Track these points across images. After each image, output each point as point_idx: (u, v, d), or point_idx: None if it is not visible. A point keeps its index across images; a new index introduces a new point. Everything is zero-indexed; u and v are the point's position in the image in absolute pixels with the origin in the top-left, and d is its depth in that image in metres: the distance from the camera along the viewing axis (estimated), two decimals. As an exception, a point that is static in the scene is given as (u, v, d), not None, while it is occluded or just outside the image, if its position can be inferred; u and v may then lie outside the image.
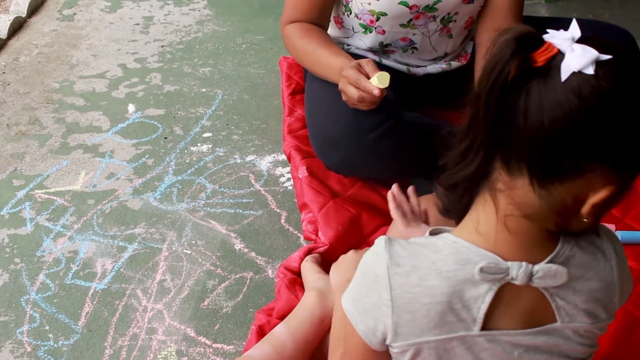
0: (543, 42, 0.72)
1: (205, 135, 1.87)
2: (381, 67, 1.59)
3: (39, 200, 1.67)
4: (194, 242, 1.55)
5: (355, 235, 1.49)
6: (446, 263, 0.80)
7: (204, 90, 2.05)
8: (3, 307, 1.40)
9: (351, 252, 1.15)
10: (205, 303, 1.41)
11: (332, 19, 1.67)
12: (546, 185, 0.73)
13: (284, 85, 1.93)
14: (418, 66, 1.69)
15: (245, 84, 2.06)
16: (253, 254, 1.51)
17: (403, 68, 1.68)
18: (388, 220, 1.53)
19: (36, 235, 1.57)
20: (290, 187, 1.68)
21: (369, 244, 1.51)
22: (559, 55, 0.71)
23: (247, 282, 1.45)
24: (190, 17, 2.42)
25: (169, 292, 1.43)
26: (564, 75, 0.70)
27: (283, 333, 1.20)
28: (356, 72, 1.36)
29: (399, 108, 1.49)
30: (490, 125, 0.74)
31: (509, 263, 0.78)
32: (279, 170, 1.74)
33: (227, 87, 2.06)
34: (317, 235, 1.49)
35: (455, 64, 1.70)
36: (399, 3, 1.50)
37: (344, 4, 1.58)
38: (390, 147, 1.47)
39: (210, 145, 1.83)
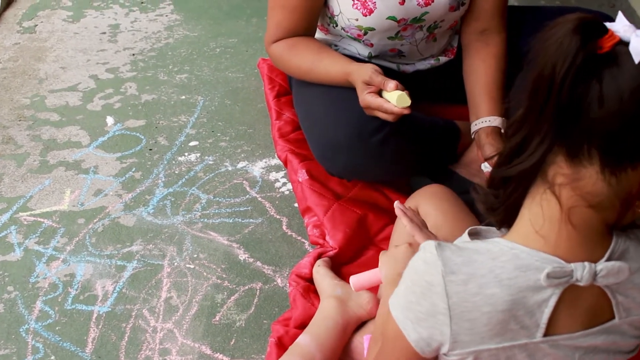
0: (605, 29, 0.72)
1: (192, 144, 1.81)
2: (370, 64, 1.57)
3: (25, 223, 1.59)
4: (195, 255, 1.50)
5: (363, 237, 1.47)
6: (505, 270, 0.78)
7: (183, 97, 1.99)
8: (2, 340, 1.33)
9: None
10: (217, 318, 1.36)
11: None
12: (618, 172, 0.73)
13: (267, 88, 1.89)
14: (407, 64, 1.67)
15: (225, 89, 2.01)
16: (259, 263, 1.47)
17: (393, 66, 1.66)
18: (393, 218, 1.51)
19: (27, 260, 1.50)
20: (287, 192, 1.65)
21: (376, 244, 1.49)
22: (621, 42, 0.71)
23: (257, 293, 1.41)
24: (159, 23, 2.35)
25: (177, 309, 1.38)
26: (637, 58, 0.69)
27: (309, 344, 1.17)
28: (373, 97, 1.33)
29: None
30: (561, 116, 0.72)
31: (572, 265, 0.77)
32: (273, 175, 1.70)
33: (207, 93, 2.00)
34: (324, 239, 1.46)
35: (443, 59, 1.69)
36: (387, 18, 1.48)
37: (329, 16, 1.55)
38: (394, 149, 1.45)
39: (198, 154, 1.78)
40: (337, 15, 1.52)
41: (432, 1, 1.48)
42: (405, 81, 1.69)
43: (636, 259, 0.81)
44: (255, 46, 2.20)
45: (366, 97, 1.36)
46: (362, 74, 1.37)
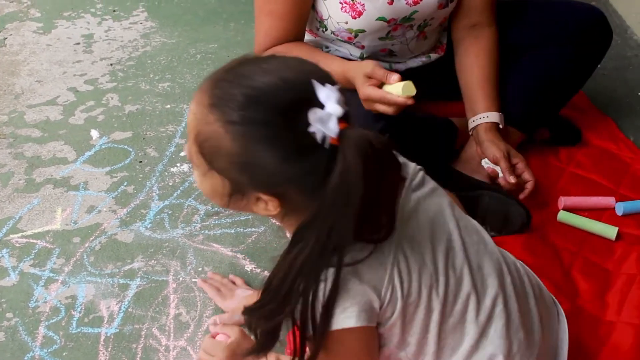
0: None
1: (183, 154, 1.77)
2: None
3: (17, 245, 1.53)
4: (200, 269, 1.46)
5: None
6: None
7: (168, 106, 1.94)
8: (7, 370, 1.27)
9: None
10: (230, 332, 1.33)
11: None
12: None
13: (256, 93, 1.86)
14: (399, 62, 1.67)
15: (211, 96, 1.97)
16: (266, 272, 1.44)
17: (385, 65, 1.64)
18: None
19: (24, 284, 1.44)
20: (286, 198, 1.62)
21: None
22: None
23: (269, 303, 1.38)
24: (134, 31, 2.29)
25: (187, 326, 1.34)
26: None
27: None
28: (374, 90, 1.31)
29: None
30: None
31: None
32: (270, 182, 1.67)
33: (191, 100, 1.95)
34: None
35: (434, 55, 1.69)
36: (376, 19, 1.47)
37: (318, 20, 1.53)
38: (403, 149, 1.43)
39: (190, 164, 1.73)
40: (326, 20, 1.50)
41: (421, 0, 1.47)
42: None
43: None
44: (236, 51, 2.16)
45: (367, 89, 1.32)
46: (363, 67, 1.35)
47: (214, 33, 2.28)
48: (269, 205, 0.84)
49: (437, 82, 1.72)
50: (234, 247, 1.50)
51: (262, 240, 1.52)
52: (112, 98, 1.98)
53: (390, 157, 0.83)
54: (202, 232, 1.54)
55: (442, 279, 0.91)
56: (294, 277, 0.80)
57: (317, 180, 0.77)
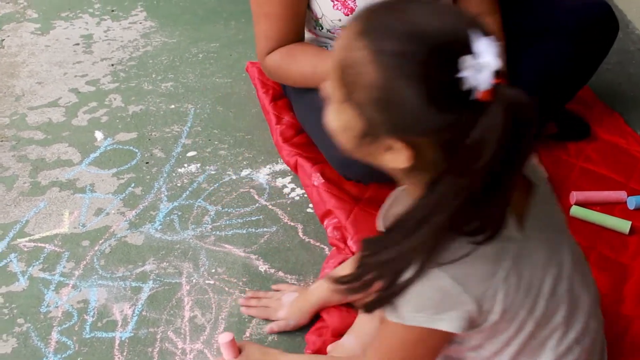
0: None
1: (190, 154, 1.75)
2: None
3: (25, 250, 1.50)
4: (213, 270, 1.44)
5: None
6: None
7: (172, 106, 1.92)
8: (21, 377, 1.25)
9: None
10: (247, 334, 1.31)
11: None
12: None
13: (261, 92, 1.84)
14: None
15: (215, 96, 1.95)
16: (281, 273, 1.43)
17: None
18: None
19: (34, 289, 1.41)
20: (297, 198, 1.61)
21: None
22: None
23: (285, 304, 1.37)
24: (133, 31, 2.26)
25: (204, 329, 1.33)
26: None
27: (354, 345, 1.17)
28: None
29: None
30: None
31: None
32: (280, 182, 1.65)
33: (196, 100, 1.94)
34: (345, 243, 1.43)
35: None
36: None
37: (314, 19, 1.52)
38: None
39: (198, 165, 1.71)
40: (320, 18, 1.49)
41: None
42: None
43: None
44: (239, 49, 2.14)
45: None
46: None
47: (215, 32, 2.25)
48: (399, 156, 0.78)
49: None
50: (246, 248, 1.49)
51: (274, 240, 1.50)
52: (114, 99, 1.95)
53: (530, 134, 0.75)
54: (214, 233, 1.53)
55: (542, 303, 0.88)
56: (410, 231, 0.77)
57: (456, 134, 0.72)
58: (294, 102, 1.67)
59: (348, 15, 1.45)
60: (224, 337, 1.16)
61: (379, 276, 0.81)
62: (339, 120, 0.82)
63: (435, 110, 0.72)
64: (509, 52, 1.61)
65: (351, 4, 1.43)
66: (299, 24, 1.51)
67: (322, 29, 1.51)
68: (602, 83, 1.91)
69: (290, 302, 1.30)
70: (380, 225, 0.96)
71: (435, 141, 0.75)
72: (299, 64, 1.50)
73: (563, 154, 1.71)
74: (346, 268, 1.23)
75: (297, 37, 1.53)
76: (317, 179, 1.53)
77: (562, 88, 1.65)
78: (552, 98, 1.64)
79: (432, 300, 0.82)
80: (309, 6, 1.49)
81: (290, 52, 1.51)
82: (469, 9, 1.57)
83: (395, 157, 0.78)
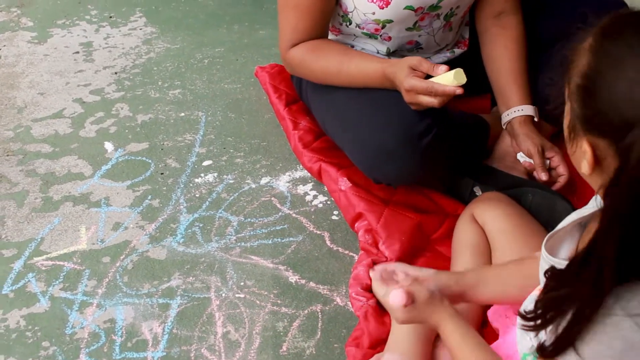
0: None
1: (206, 163, 1.70)
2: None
3: (43, 269, 1.44)
4: (242, 283, 1.40)
5: (419, 243, 1.41)
6: None
7: (182, 114, 1.87)
8: (52, 403, 1.20)
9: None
10: (284, 348, 1.27)
11: None
12: None
13: (274, 97, 1.80)
14: (424, 57, 1.63)
15: (225, 102, 1.91)
16: (312, 284, 1.39)
17: None
18: (443, 218, 1.47)
19: (56, 310, 1.36)
20: (320, 205, 1.57)
21: (431, 245, 1.43)
22: None
23: (319, 315, 1.33)
24: (134, 38, 2.20)
25: (238, 344, 1.28)
26: None
27: None
28: (420, 80, 1.27)
29: (443, 108, 1.43)
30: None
31: None
32: (301, 189, 1.62)
33: (206, 107, 1.89)
34: (376, 247, 1.40)
35: (458, 51, 1.66)
36: (404, 8, 1.43)
37: (341, 14, 1.48)
38: (441, 149, 1.40)
39: (215, 174, 1.67)
40: (351, 12, 1.46)
41: None
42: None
43: None
44: (245, 54, 2.10)
45: (412, 80, 1.29)
46: (407, 60, 1.32)
47: (219, 36, 2.21)
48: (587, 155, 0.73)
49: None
50: (274, 259, 1.44)
51: (302, 249, 1.46)
52: (122, 108, 1.90)
53: None
54: (238, 244, 1.48)
55: None
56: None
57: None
58: (314, 105, 1.63)
59: (383, 8, 1.41)
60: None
61: (559, 314, 0.75)
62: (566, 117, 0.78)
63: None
64: (536, 54, 1.60)
65: None
66: (326, 20, 1.49)
67: (351, 23, 1.48)
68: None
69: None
70: (544, 249, 0.89)
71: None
72: (324, 61, 1.46)
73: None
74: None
75: (323, 33, 1.50)
76: (344, 183, 1.50)
77: None
78: None
79: (613, 350, 0.74)
80: (337, 1, 1.46)
81: (318, 47, 1.47)
82: (491, 9, 1.55)
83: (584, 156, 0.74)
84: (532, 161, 1.50)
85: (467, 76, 1.66)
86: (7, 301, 1.37)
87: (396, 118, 1.37)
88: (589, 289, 0.71)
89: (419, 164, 1.38)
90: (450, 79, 1.23)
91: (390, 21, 1.45)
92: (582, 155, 0.74)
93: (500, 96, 1.55)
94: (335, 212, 1.55)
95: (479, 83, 1.61)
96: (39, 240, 1.51)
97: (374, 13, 1.43)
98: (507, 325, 1.18)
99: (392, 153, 1.36)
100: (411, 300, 0.98)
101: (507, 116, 1.51)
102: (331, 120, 1.53)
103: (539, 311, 0.77)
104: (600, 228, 0.71)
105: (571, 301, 0.73)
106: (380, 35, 1.50)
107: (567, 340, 0.74)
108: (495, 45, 1.56)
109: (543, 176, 1.44)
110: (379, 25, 1.45)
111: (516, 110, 1.50)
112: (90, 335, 1.31)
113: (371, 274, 1.32)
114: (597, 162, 0.73)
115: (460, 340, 0.95)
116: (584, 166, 0.74)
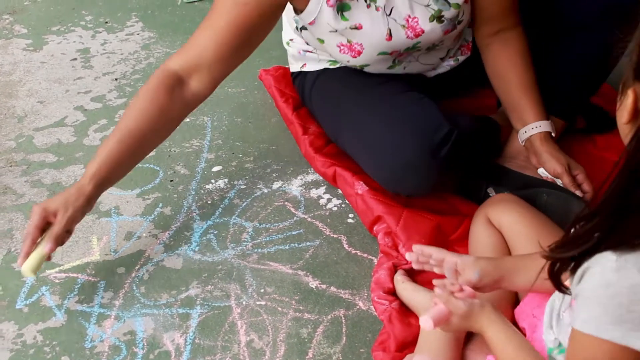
0: None
1: (215, 169, 1.68)
2: (389, 75, 1.53)
3: (57, 281, 1.41)
4: (262, 290, 1.38)
5: (438, 243, 1.41)
6: None
7: (187, 120, 1.83)
8: (77, 420, 1.17)
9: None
10: (310, 355, 1.25)
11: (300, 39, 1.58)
12: None
13: (281, 102, 1.78)
14: (426, 70, 1.62)
15: (230, 106, 1.88)
16: (333, 288, 1.38)
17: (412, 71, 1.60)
18: (461, 219, 1.46)
19: (74, 323, 1.33)
20: (335, 209, 1.55)
21: (450, 245, 1.42)
22: None
23: (343, 320, 1.31)
24: (132, 43, 2.17)
25: (263, 353, 1.26)
26: None
27: None
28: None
29: (455, 115, 1.43)
30: None
31: None
32: (314, 193, 1.60)
33: (211, 112, 1.87)
34: (396, 249, 1.39)
35: (461, 57, 1.64)
36: (377, 54, 1.42)
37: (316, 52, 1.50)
38: (459, 156, 1.39)
39: (226, 180, 1.65)
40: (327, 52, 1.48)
41: (422, 32, 1.41)
42: (428, 84, 1.64)
43: None
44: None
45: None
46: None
47: (218, 40, 2.18)
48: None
49: (465, 78, 1.68)
50: (292, 264, 1.43)
51: (320, 254, 1.45)
52: (125, 115, 1.86)
53: None
54: (255, 250, 1.46)
55: None
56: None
57: None
58: (321, 116, 1.62)
59: (356, 57, 1.42)
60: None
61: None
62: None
63: None
64: (544, 49, 1.59)
65: (357, 48, 1.42)
66: (233, 57, 1.39)
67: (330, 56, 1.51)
68: (614, 75, 1.91)
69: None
70: None
71: None
72: (130, 114, 1.37)
73: (592, 147, 1.70)
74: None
75: (221, 67, 1.40)
76: (361, 187, 1.48)
77: (594, 78, 1.63)
78: (585, 89, 1.63)
79: (621, 307, 0.77)
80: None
81: (151, 87, 1.39)
82: (489, 28, 1.51)
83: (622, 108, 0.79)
84: (555, 180, 1.48)
85: (472, 76, 1.67)
86: (22, 316, 1.34)
87: (413, 132, 1.36)
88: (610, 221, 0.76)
89: (438, 174, 1.38)
90: None
91: (367, 65, 1.45)
92: (625, 106, 0.78)
93: (513, 111, 1.51)
94: (351, 215, 1.53)
95: (480, 80, 1.60)
96: (50, 252, 1.47)
97: (348, 61, 1.46)
98: (534, 324, 1.18)
99: (412, 168, 1.36)
100: (446, 319, 0.98)
101: (524, 133, 1.48)
102: (345, 135, 1.51)
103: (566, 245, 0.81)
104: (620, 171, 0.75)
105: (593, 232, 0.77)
106: (363, 69, 1.50)
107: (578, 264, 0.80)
108: (498, 60, 1.52)
109: (577, 194, 1.43)
110: (357, 67, 1.46)
111: (534, 127, 1.47)
112: (110, 348, 1.28)
113: (396, 277, 1.31)
114: (636, 113, 0.76)
115: (505, 342, 0.94)
116: (623, 115, 0.78)
